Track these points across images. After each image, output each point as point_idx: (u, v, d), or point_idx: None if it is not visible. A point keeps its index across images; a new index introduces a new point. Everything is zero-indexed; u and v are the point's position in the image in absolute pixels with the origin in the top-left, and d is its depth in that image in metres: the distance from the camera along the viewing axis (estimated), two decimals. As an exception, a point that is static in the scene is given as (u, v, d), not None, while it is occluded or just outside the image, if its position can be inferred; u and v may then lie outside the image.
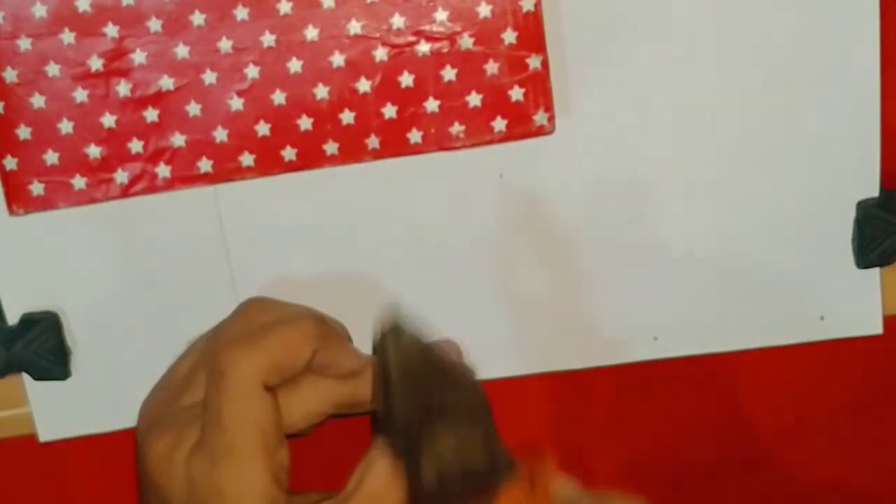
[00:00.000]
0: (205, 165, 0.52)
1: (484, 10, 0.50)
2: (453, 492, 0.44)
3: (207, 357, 0.48)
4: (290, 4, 0.50)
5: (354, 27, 0.50)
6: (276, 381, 0.47)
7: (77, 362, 0.55)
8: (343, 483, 0.46)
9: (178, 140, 0.52)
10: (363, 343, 0.52)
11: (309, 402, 0.49)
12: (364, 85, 0.51)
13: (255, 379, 0.46)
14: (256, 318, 0.49)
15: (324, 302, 0.54)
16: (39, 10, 0.50)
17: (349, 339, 0.52)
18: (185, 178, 0.52)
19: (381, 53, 0.50)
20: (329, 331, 0.49)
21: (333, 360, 0.48)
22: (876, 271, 0.54)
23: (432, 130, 0.51)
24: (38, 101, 0.51)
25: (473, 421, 0.45)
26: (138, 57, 0.51)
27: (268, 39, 0.50)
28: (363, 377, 0.48)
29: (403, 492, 0.45)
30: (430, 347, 0.45)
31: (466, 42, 0.50)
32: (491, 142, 0.51)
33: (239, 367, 0.46)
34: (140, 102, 0.51)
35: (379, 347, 0.45)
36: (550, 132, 0.51)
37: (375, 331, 0.45)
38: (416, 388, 0.44)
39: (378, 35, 0.50)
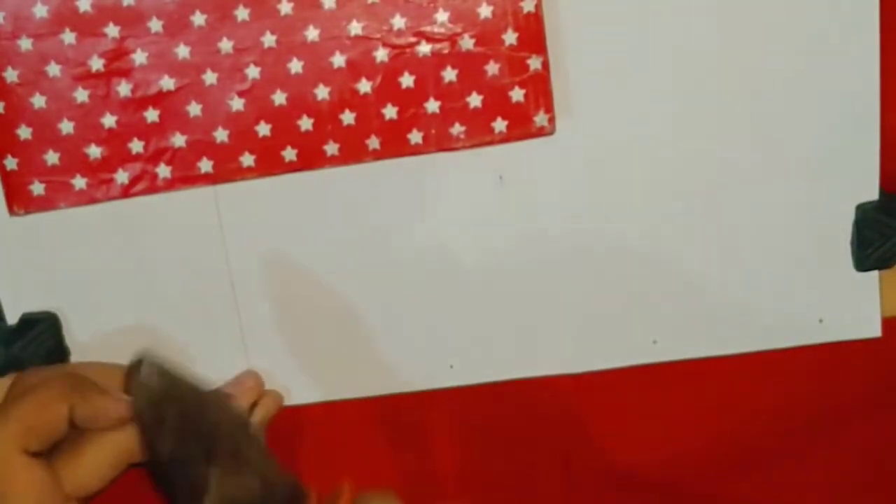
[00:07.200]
0: (205, 166, 0.52)
1: (485, 11, 0.50)
2: None
3: None
4: (291, 5, 0.50)
5: (355, 28, 0.50)
6: (36, 444, 0.46)
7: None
8: None
9: (179, 140, 0.52)
10: (367, 340, 0.52)
11: (96, 460, 0.47)
12: (365, 86, 0.51)
13: (12, 447, 0.45)
14: (10, 392, 0.48)
15: (323, 302, 0.54)
16: (40, 11, 0.50)
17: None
18: (186, 178, 0.52)
19: (381, 54, 0.50)
20: (83, 384, 0.48)
21: (96, 410, 0.47)
22: (875, 274, 0.54)
23: (433, 131, 0.51)
24: (38, 101, 0.51)
25: (244, 455, 0.45)
26: (139, 57, 0.51)
27: (268, 40, 0.50)
28: None
29: None
30: (179, 380, 0.45)
31: (467, 43, 0.50)
32: (491, 143, 0.51)
33: None
34: (141, 103, 0.51)
35: (129, 389, 0.45)
36: (551, 133, 0.51)
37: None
38: (174, 419, 0.44)
39: (379, 36, 0.50)
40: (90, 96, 0.51)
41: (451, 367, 0.55)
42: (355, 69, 0.51)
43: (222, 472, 0.44)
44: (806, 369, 0.56)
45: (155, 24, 0.50)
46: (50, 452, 0.47)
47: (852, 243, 0.53)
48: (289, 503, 0.46)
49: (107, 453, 0.47)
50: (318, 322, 0.55)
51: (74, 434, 0.47)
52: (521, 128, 0.51)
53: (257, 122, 0.51)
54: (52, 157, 0.52)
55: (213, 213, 0.53)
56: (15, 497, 0.45)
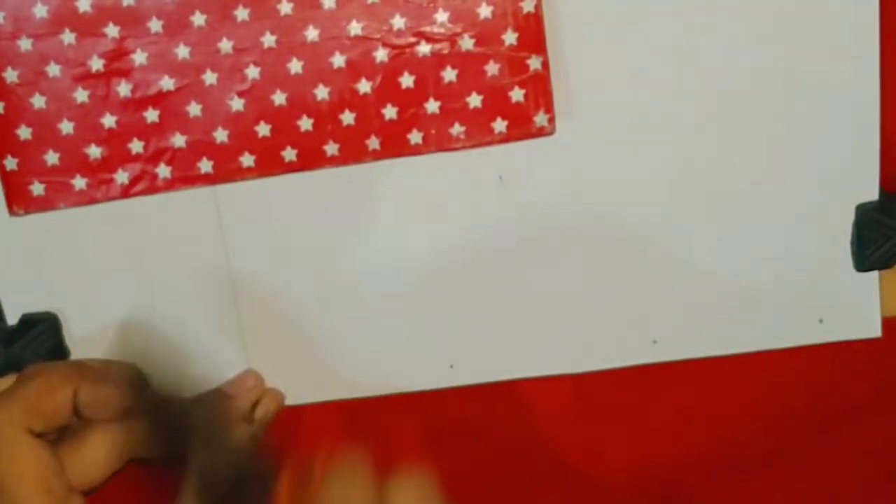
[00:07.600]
0: (205, 166, 0.52)
1: (484, 11, 0.50)
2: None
3: None
4: (291, 5, 0.50)
5: (355, 28, 0.50)
6: (41, 425, 0.46)
7: (76, 363, 0.55)
8: None
9: (179, 140, 0.52)
10: (366, 340, 0.52)
11: (98, 451, 0.48)
12: (364, 86, 0.51)
13: (17, 427, 0.46)
14: (18, 378, 0.48)
15: (323, 302, 0.54)
16: (40, 11, 0.50)
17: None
18: (186, 178, 0.52)
19: (381, 54, 0.50)
20: (89, 372, 0.48)
21: (100, 397, 0.48)
22: (875, 274, 0.54)
23: (433, 131, 0.51)
24: (38, 101, 0.51)
25: (219, 445, 0.48)
26: (139, 57, 0.51)
27: (268, 40, 0.50)
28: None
29: None
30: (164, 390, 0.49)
31: (467, 43, 0.50)
32: (491, 143, 0.51)
33: None
34: (140, 103, 0.51)
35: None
36: (551, 133, 0.51)
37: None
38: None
39: (378, 36, 0.50)
40: (90, 96, 0.51)
41: (451, 367, 0.55)
42: (355, 69, 0.51)
43: (198, 456, 0.47)
44: (806, 369, 0.56)
45: (155, 25, 0.50)
46: (53, 444, 0.47)
47: (852, 243, 0.53)
48: (257, 482, 0.47)
49: (109, 445, 0.48)
50: (318, 322, 0.55)
51: (77, 426, 0.48)
52: (521, 128, 0.51)
53: (257, 123, 0.51)
54: (52, 158, 0.52)
55: (213, 213, 0.53)
56: (18, 475, 0.45)
